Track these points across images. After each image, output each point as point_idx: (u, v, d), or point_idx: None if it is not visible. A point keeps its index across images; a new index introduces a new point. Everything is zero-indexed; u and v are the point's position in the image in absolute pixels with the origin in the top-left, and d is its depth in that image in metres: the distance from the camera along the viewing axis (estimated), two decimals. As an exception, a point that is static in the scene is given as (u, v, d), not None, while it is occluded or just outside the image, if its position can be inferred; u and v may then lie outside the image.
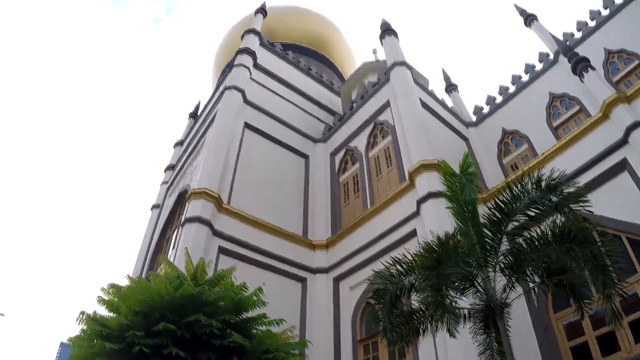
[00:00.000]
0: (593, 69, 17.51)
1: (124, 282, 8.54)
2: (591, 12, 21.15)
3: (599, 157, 14.46)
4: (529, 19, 23.74)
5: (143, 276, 19.38)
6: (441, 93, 27.19)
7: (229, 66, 27.21)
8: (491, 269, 8.01)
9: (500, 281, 8.13)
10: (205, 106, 28.33)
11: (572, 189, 7.68)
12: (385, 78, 21.78)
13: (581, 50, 19.22)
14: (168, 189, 26.45)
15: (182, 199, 21.34)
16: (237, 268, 8.77)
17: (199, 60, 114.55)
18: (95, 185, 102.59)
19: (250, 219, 17.54)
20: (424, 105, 19.86)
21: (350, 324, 15.99)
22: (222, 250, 15.79)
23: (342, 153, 22.44)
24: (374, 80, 24.87)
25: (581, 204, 7.41)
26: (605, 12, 20.54)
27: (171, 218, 22.74)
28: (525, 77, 22.32)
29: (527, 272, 7.79)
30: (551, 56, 21.16)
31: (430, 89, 23.99)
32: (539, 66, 21.92)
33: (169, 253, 19.71)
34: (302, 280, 17.55)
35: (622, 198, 13.23)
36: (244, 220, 17.35)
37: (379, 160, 19.85)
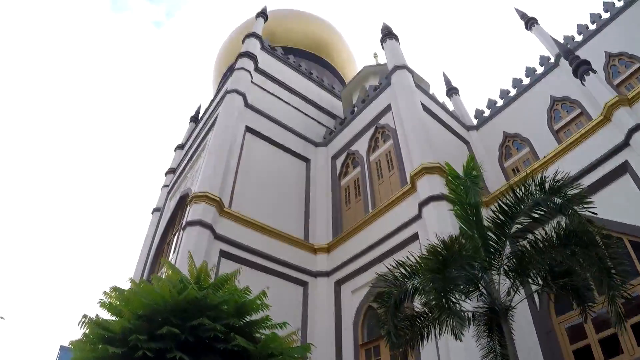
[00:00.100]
0: (594, 72, 17.51)
1: (125, 286, 8.54)
2: (592, 15, 21.19)
3: (600, 159, 14.48)
4: (530, 22, 23.78)
5: (144, 279, 19.34)
6: (442, 96, 27.23)
7: (230, 70, 27.24)
8: (495, 272, 7.98)
9: (504, 284, 8.10)
10: (206, 110, 28.36)
11: (576, 191, 7.66)
12: (386, 82, 21.80)
13: (582, 54, 19.22)
14: (169, 192, 26.44)
15: (183, 202, 21.34)
16: (240, 272, 8.73)
17: (200, 63, 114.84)
18: (95, 189, 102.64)
19: (251, 222, 17.51)
20: (425, 109, 19.87)
21: (351, 327, 15.94)
22: (223, 254, 15.77)
23: (343, 157, 22.43)
24: (375, 83, 24.92)
25: (585, 206, 7.39)
26: (605, 16, 20.58)
27: (172, 221, 22.73)
28: (526, 81, 22.32)
29: (532, 275, 7.76)
30: (552, 59, 21.18)
31: (431, 92, 24.00)
32: (539, 69, 21.94)
33: (170, 256, 19.69)
34: (304, 284, 17.51)
35: (623, 201, 13.22)
36: (245, 224, 17.33)
37: (380, 163, 19.85)
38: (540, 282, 7.79)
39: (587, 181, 13.80)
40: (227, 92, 22.35)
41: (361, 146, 21.50)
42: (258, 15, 31.59)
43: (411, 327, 8.27)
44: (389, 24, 25.26)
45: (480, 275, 7.86)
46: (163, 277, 8.87)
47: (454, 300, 7.44)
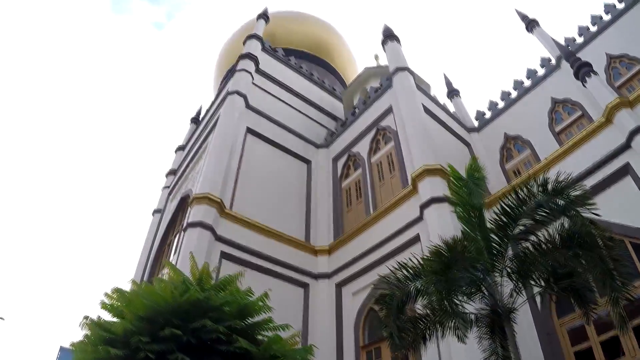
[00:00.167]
0: (595, 73, 17.49)
1: (126, 287, 8.52)
2: (592, 17, 21.16)
3: (602, 161, 14.48)
4: (531, 24, 23.75)
5: (145, 281, 19.34)
6: (443, 98, 27.18)
7: (231, 71, 27.23)
8: (498, 274, 7.96)
9: (506, 286, 8.09)
10: (207, 111, 28.34)
11: (578, 192, 7.64)
12: (387, 83, 21.79)
13: (583, 56, 19.21)
14: (169, 193, 26.43)
15: (184, 203, 21.32)
16: (243, 274, 8.72)
17: (201, 65, 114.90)
18: (96, 190, 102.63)
19: (252, 224, 17.49)
20: (426, 111, 19.85)
21: (352, 329, 15.90)
22: (224, 256, 15.73)
23: (344, 158, 22.42)
24: (376, 85, 24.89)
25: (588, 207, 7.37)
26: (606, 17, 20.55)
27: (173, 223, 22.72)
28: (527, 83, 22.30)
29: (534, 276, 7.75)
30: (553, 61, 21.17)
31: (432, 94, 24.00)
32: (540, 71, 21.90)
33: (171, 258, 19.68)
34: (305, 286, 17.48)
35: (625, 203, 13.22)
36: (246, 226, 17.31)
37: (381, 165, 19.84)
38: (543, 284, 7.77)
39: (588, 183, 13.79)
40: (229, 93, 22.35)
41: (362, 148, 21.49)
42: (259, 16, 31.59)
43: (413, 329, 8.25)
44: (390, 25, 25.25)
45: (482, 277, 7.84)
46: (164, 278, 8.85)
47: (457, 302, 7.42)
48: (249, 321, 7.61)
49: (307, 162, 22.96)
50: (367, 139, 21.47)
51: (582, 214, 7.44)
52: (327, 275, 17.91)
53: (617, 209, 12.91)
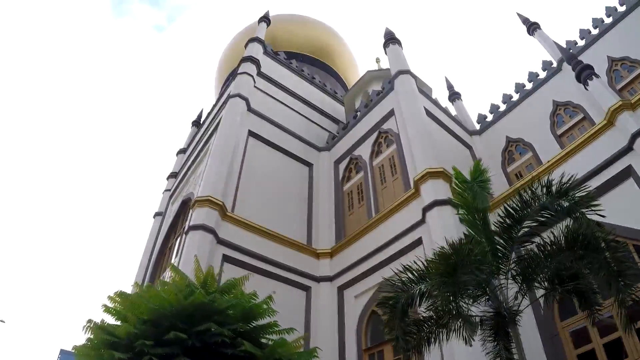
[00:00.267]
0: (597, 76, 17.50)
1: (126, 290, 8.49)
2: (594, 20, 21.19)
3: (604, 164, 14.49)
4: (532, 27, 23.79)
5: (148, 283, 19.30)
6: (444, 101, 27.23)
7: (233, 74, 27.27)
8: (503, 276, 7.94)
9: (511, 288, 8.07)
10: (209, 114, 28.37)
11: (583, 193, 7.64)
12: (389, 86, 21.78)
13: (584, 58, 19.22)
14: (171, 196, 26.45)
15: (186, 206, 21.33)
16: (241, 276, 8.70)
17: (202, 68, 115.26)
18: (97, 193, 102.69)
19: (254, 227, 17.47)
20: (428, 114, 19.83)
21: (355, 332, 15.87)
22: (226, 259, 15.71)
23: (346, 161, 22.41)
24: (378, 88, 24.91)
25: (593, 209, 7.37)
26: (608, 20, 20.59)
27: (174, 226, 22.72)
28: (528, 86, 22.32)
29: (539, 279, 7.73)
30: (554, 64, 21.18)
31: (433, 97, 24.00)
32: (542, 74, 21.91)
33: (172, 261, 19.64)
34: (307, 289, 17.44)
35: (627, 205, 13.21)
36: (248, 228, 17.28)
37: (383, 168, 19.81)
38: (548, 286, 7.75)
39: (590, 186, 13.70)
40: (230, 96, 22.35)
41: (364, 151, 21.48)
42: (260, 20, 31.64)
43: (417, 332, 8.23)
44: (391, 28, 25.28)
45: (488, 279, 7.82)
46: (167, 280, 8.82)
47: (464, 304, 7.40)
48: (253, 324, 7.58)
49: (308, 165, 22.95)
50: (369, 142, 21.46)
51: (587, 216, 7.44)
52: (329, 278, 17.86)
53: (619, 211, 12.89)
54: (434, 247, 11.21)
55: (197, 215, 16.10)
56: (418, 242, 15.02)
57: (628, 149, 14.13)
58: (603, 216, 7.44)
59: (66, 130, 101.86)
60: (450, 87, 29.71)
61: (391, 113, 20.51)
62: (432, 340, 8.33)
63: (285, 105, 25.61)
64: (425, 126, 18.27)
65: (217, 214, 16.37)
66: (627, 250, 7.88)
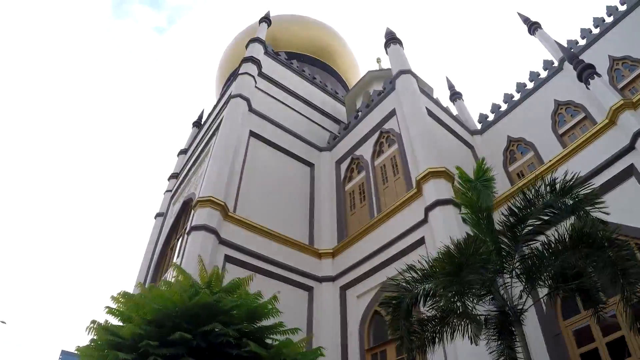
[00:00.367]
0: (599, 75, 17.50)
1: (129, 291, 8.47)
2: (595, 19, 21.20)
3: (606, 163, 14.50)
4: (533, 27, 23.80)
5: (152, 284, 19.30)
6: (445, 101, 27.24)
7: (234, 75, 27.27)
8: (508, 275, 7.93)
9: (515, 287, 8.06)
10: (210, 114, 28.37)
11: (587, 191, 7.63)
12: (390, 86, 21.77)
13: (585, 58, 19.22)
14: (172, 197, 26.45)
15: (187, 207, 21.33)
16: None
17: (202, 69, 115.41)
18: (98, 194, 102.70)
19: (256, 227, 17.47)
20: (430, 114, 19.82)
21: (357, 332, 15.85)
22: (228, 259, 15.71)
23: (347, 161, 22.40)
24: (379, 88, 24.88)
25: (597, 206, 7.36)
26: (609, 20, 20.60)
27: (175, 226, 22.71)
28: (530, 85, 22.31)
29: (543, 277, 7.72)
30: (556, 64, 21.18)
31: (434, 97, 24.00)
32: (543, 74, 21.90)
33: (174, 261, 19.62)
34: (309, 289, 17.44)
35: (629, 204, 13.20)
36: (249, 229, 17.28)
37: (385, 168, 19.80)
38: (553, 284, 7.73)
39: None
40: (231, 96, 22.36)
41: (366, 151, 21.47)
42: (261, 20, 31.67)
43: (422, 332, 8.21)
44: (392, 28, 25.27)
45: (493, 278, 7.81)
46: (171, 281, 8.80)
47: (469, 304, 7.38)
48: (258, 325, 7.57)
49: (310, 165, 22.95)
50: (371, 142, 21.44)
51: (591, 213, 7.44)
52: (332, 279, 17.85)
53: (621, 210, 12.88)
54: (437, 247, 11.21)
55: (198, 216, 16.10)
56: (420, 241, 15.01)
57: (630, 148, 14.13)
58: (607, 213, 7.44)
59: (67, 131, 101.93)
60: (451, 86, 29.71)
61: (392, 113, 20.49)
62: (437, 339, 8.31)
63: (286, 105, 25.63)
64: (427, 126, 18.27)
65: (218, 214, 16.37)
66: (630, 248, 7.83)
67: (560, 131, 19.13)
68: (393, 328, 8.32)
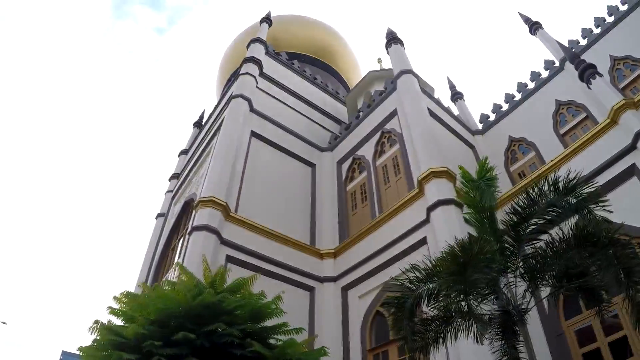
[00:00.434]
0: (600, 75, 17.50)
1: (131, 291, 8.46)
2: (596, 19, 21.20)
3: (607, 163, 14.54)
4: (534, 27, 23.80)
5: (156, 284, 19.28)
6: (447, 102, 27.24)
7: (235, 75, 27.27)
8: (511, 274, 7.93)
9: (519, 286, 8.04)
10: (211, 115, 28.37)
11: (591, 190, 7.64)
12: (392, 86, 21.75)
13: (587, 57, 19.22)
14: (173, 197, 26.45)
15: (188, 207, 21.31)
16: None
17: (203, 70, 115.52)
18: (99, 195, 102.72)
19: (257, 227, 17.45)
20: (431, 114, 19.78)
21: (359, 333, 15.83)
22: (229, 259, 15.68)
23: (349, 162, 22.37)
24: (380, 89, 24.87)
25: (600, 205, 7.36)
26: (610, 19, 20.60)
27: (176, 227, 22.69)
28: (531, 85, 22.30)
29: (547, 276, 7.71)
30: (557, 63, 21.17)
31: (435, 97, 23.99)
32: (544, 74, 21.90)
33: (175, 261, 19.61)
34: (310, 289, 17.42)
35: (631, 203, 13.20)
36: (251, 229, 17.26)
37: (386, 168, 19.78)
38: (557, 283, 7.72)
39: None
40: (233, 97, 22.35)
41: (367, 151, 21.45)
42: (262, 20, 31.68)
43: (426, 332, 8.20)
44: (393, 29, 25.26)
45: (497, 277, 7.80)
46: (174, 280, 8.79)
47: (474, 303, 7.37)
48: (262, 325, 7.55)
49: (311, 165, 22.94)
50: (372, 142, 21.42)
51: (595, 212, 7.43)
52: (333, 279, 17.82)
53: (623, 210, 12.86)
54: (439, 247, 11.21)
55: (200, 216, 16.09)
56: (422, 241, 14.98)
57: (632, 147, 14.16)
58: (610, 212, 7.45)
59: (68, 132, 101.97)
60: (452, 87, 29.72)
61: (394, 113, 20.47)
62: (441, 339, 8.29)
63: (287, 105, 25.64)
64: (429, 126, 18.25)
65: (220, 215, 16.35)
66: (634, 247, 7.82)
67: (562, 131, 19.12)
68: (396, 328, 8.30)
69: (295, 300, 16.46)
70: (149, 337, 6.77)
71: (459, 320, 7.69)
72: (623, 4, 20.45)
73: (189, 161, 27.16)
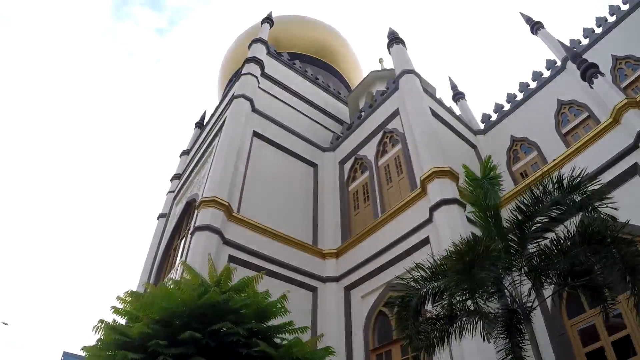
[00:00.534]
0: (602, 74, 17.50)
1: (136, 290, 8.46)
2: (597, 18, 21.21)
3: (610, 162, 14.54)
4: (535, 26, 23.77)
5: (161, 283, 19.28)
6: (448, 102, 27.23)
7: (236, 75, 27.26)
8: (517, 273, 7.92)
9: (524, 285, 8.04)
10: (212, 115, 28.35)
11: (595, 187, 7.64)
12: (394, 86, 21.75)
13: (588, 57, 19.20)
14: (174, 198, 26.43)
15: (190, 208, 21.30)
16: (260, 274, 8.70)
17: (204, 70, 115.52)
18: (100, 195, 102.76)
19: (260, 227, 17.44)
20: (433, 113, 19.76)
21: (362, 332, 15.81)
22: (232, 259, 15.62)
23: (351, 162, 22.37)
24: (382, 89, 24.87)
25: (605, 202, 7.36)
26: (611, 19, 20.60)
27: (178, 227, 22.67)
28: (532, 85, 22.28)
29: (552, 275, 7.70)
30: (558, 63, 21.16)
31: (437, 97, 23.99)
32: (546, 73, 21.89)
33: (177, 262, 19.63)
34: (313, 289, 17.40)
35: (634, 202, 13.16)
36: (253, 229, 17.25)
37: (389, 168, 19.77)
38: (562, 281, 7.72)
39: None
40: (234, 97, 22.33)
41: (369, 151, 21.44)
42: (263, 21, 31.67)
43: (431, 331, 8.19)
44: (394, 29, 25.25)
45: (503, 276, 7.80)
46: (178, 280, 8.79)
47: (480, 302, 7.37)
48: (268, 324, 7.55)
49: (313, 165, 22.93)
50: (374, 142, 21.42)
51: (600, 209, 7.43)
52: (336, 279, 17.80)
53: (626, 208, 12.83)
54: (442, 247, 11.20)
55: (202, 216, 16.07)
56: (425, 241, 14.96)
57: (634, 146, 14.17)
58: (615, 208, 7.45)
59: (69, 133, 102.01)
60: (454, 87, 29.73)
61: (396, 113, 20.46)
62: (446, 338, 8.29)
63: (289, 105, 25.64)
64: (431, 125, 18.24)
65: (222, 215, 16.33)
66: (636, 245, 7.83)
67: (564, 130, 19.11)
68: (401, 327, 8.30)
69: (297, 301, 16.42)
70: (154, 337, 6.75)
71: (464, 318, 7.68)
72: (624, 3, 20.45)
73: (190, 162, 27.14)
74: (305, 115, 26.20)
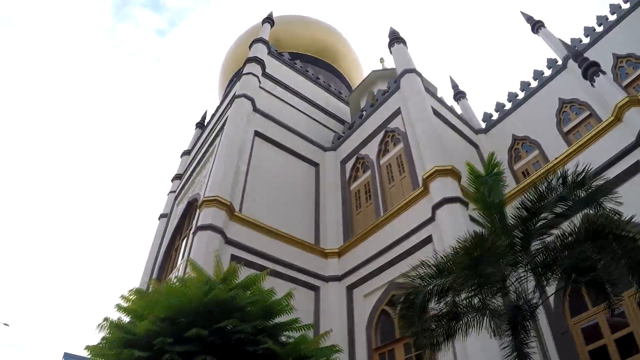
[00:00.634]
0: (604, 73, 17.51)
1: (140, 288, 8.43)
2: (598, 17, 21.21)
3: (612, 160, 14.53)
4: (536, 25, 23.78)
5: (167, 282, 19.26)
6: (450, 101, 27.22)
7: (237, 75, 27.28)
8: (522, 269, 7.92)
9: (529, 282, 8.03)
10: (213, 115, 28.36)
11: (600, 182, 7.64)
12: (395, 86, 21.75)
13: (589, 56, 19.21)
14: (176, 198, 26.41)
15: (192, 207, 21.30)
16: (266, 272, 8.70)
17: (204, 71, 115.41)
18: (101, 196, 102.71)
19: (262, 227, 17.44)
20: (435, 112, 19.77)
21: (365, 332, 15.82)
22: (234, 259, 15.60)
23: (352, 161, 22.37)
24: (383, 88, 24.85)
25: (610, 197, 7.36)
26: (612, 18, 20.60)
27: (180, 227, 22.66)
28: (534, 84, 22.30)
29: (557, 271, 7.69)
30: (559, 62, 21.18)
31: (439, 96, 24.00)
32: (547, 72, 21.90)
33: (179, 262, 19.63)
34: (315, 289, 17.40)
35: (636, 201, 13.15)
36: (255, 229, 17.25)
37: (391, 167, 19.78)
38: (566, 277, 7.71)
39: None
40: (236, 96, 22.33)
41: (371, 150, 21.44)
42: (264, 20, 31.68)
43: (437, 328, 8.18)
44: (395, 28, 25.25)
45: (508, 273, 7.80)
46: (183, 278, 8.78)
47: (487, 298, 7.37)
48: (274, 321, 7.54)
49: (315, 164, 22.93)
50: (376, 141, 21.42)
51: (605, 205, 7.43)
52: (338, 278, 17.80)
53: (629, 206, 12.83)
54: (445, 245, 11.18)
55: (204, 216, 16.07)
56: (427, 240, 14.95)
57: (636, 144, 14.17)
58: (620, 203, 7.46)
59: (70, 134, 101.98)
60: (455, 86, 29.73)
61: (397, 112, 20.47)
62: (452, 335, 8.28)
63: (290, 105, 25.65)
64: (433, 124, 18.25)
65: (224, 214, 16.34)
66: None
67: (565, 129, 19.13)
68: (406, 325, 8.29)
69: (300, 300, 16.14)
70: (159, 334, 6.74)
71: (470, 315, 7.67)
72: (625, 2, 20.46)
73: (191, 162, 27.13)
74: (306, 115, 26.21)
